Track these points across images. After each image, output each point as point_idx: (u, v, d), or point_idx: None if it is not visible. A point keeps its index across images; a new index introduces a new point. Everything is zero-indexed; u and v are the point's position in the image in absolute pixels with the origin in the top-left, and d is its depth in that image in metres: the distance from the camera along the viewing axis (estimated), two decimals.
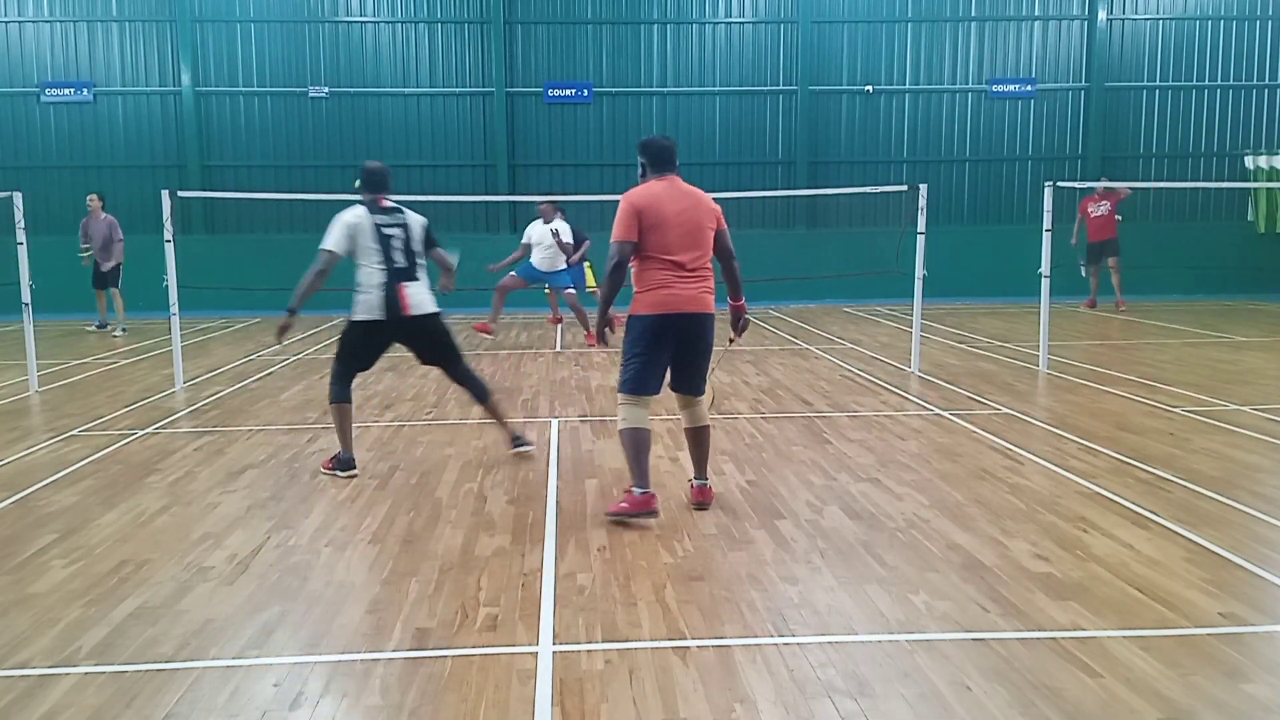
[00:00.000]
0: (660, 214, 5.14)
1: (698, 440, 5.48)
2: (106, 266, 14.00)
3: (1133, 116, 19.35)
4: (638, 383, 5.25)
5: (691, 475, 5.58)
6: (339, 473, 6.23)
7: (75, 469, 6.48)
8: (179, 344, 9.77)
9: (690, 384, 5.43)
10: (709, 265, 5.30)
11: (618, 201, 5.26)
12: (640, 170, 5.36)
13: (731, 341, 5.85)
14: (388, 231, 6.22)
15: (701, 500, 5.46)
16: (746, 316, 5.67)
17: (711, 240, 5.29)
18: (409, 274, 6.23)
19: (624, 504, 5.18)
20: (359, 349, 6.42)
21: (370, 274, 6.16)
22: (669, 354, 5.29)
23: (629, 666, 3.53)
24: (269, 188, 17.98)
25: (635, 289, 5.28)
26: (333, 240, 6.13)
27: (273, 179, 18.25)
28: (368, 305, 6.16)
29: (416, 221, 6.42)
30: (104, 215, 14.03)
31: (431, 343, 6.41)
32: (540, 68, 18.78)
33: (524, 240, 12.87)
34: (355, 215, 6.18)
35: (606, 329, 5.52)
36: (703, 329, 5.28)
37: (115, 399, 8.99)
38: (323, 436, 7.38)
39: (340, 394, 6.37)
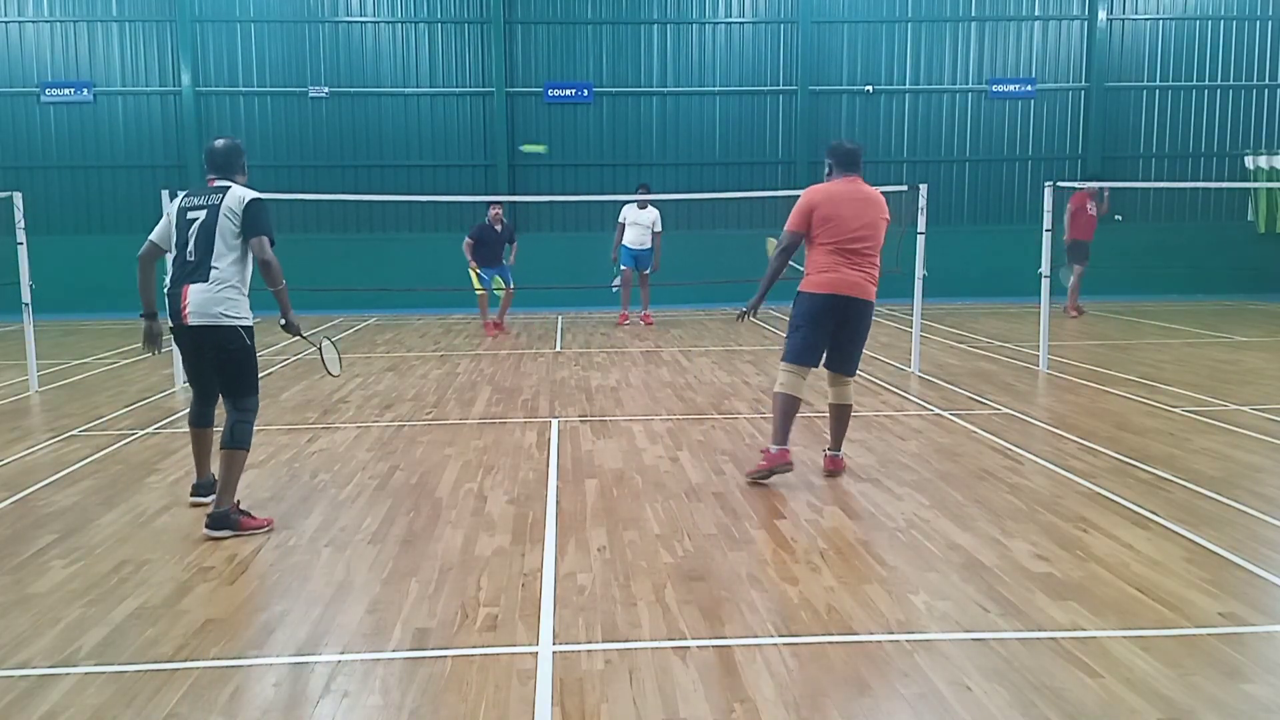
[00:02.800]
0: (835, 209, 5.75)
1: (840, 416, 6.08)
2: None
3: (1133, 116, 19.35)
4: (798, 353, 5.83)
5: (828, 446, 6.17)
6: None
7: (75, 469, 6.48)
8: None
9: (843, 364, 5.99)
10: (877, 260, 5.89)
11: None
12: (827, 170, 6.04)
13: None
14: (191, 215, 5.05)
15: (834, 469, 6.05)
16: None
17: (881, 237, 5.88)
18: (195, 274, 5.00)
19: (762, 463, 5.81)
20: (185, 363, 5.36)
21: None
22: (829, 331, 5.82)
23: (629, 666, 3.53)
24: (269, 188, 17.83)
25: (806, 270, 5.87)
26: (155, 229, 5.24)
27: (273, 179, 18.21)
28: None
29: (233, 199, 5.03)
30: None
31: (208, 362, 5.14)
32: (540, 68, 18.78)
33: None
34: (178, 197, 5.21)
35: (749, 313, 6.04)
36: (860, 313, 5.82)
37: (115, 399, 8.99)
38: (323, 436, 7.39)
39: (191, 416, 5.43)
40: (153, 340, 5.36)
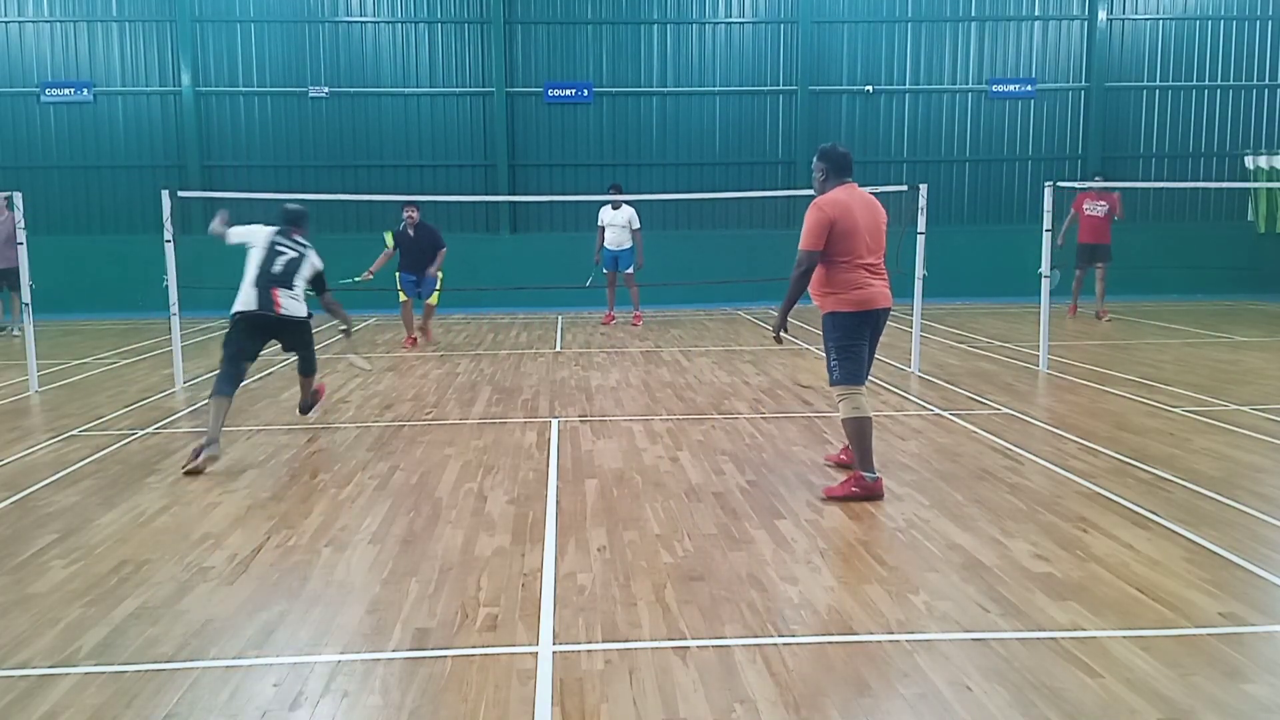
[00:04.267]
0: (852, 221, 5.57)
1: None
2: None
3: (1133, 116, 19.34)
4: (854, 375, 5.70)
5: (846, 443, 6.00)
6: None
7: (75, 469, 6.48)
8: (179, 344, 9.77)
9: (867, 371, 5.92)
10: (884, 261, 5.84)
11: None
12: (820, 176, 5.76)
13: None
14: (279, 249, 7.24)
15: (847, 461, 6.03)
16: None
17: (884, 241, 5.83)
18: (281, 282, 7.19)
19: (855, 489, 5.60)
20: (239, 341, 7.35)
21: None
22: (868, 344, 5.77)
23: (629, 666, 3.53)
24: (269, 188, 17.95)
25: (827, 289, 5.67)
26: None
27: (273, 179, 18.23)
28: None
29: (313, 259, 7.37)
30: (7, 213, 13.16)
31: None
32: (540, 68, 18.77)
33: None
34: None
35: (783, 331, 5.94)
36: (884, 322, 5.84)
37: (115, 399, 8.99)
38: (323, 436, 7.39)
39: (222, 387, 6.84)
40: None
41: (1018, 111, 19.27)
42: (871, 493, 5.56)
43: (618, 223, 13.76)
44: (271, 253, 7.12)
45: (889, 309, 5.79)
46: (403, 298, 12.26)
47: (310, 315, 7.32)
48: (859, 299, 5.62)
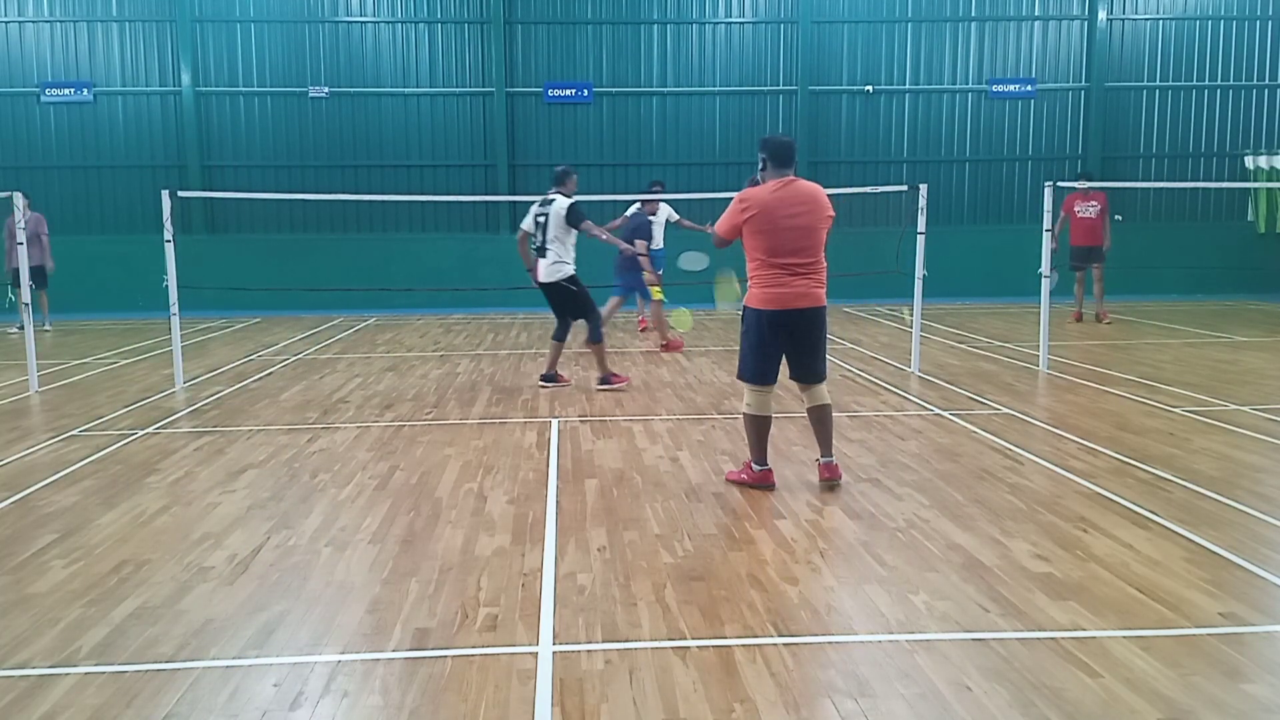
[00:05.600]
0: (769, 220, 5.43)
1: (819, 418, 5.78)
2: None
3: (1133, 116, 19.34)
4: (755, 372, 5.67)
5: (819, 455, 5.82)
6: None
7: (75, 469, 6.48)
8: (179, 344, 9.77)
9: (807, 373, 5.76)
10: (821, 261, 5.60)
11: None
12: (760, 165, 5.60)
13: None
14: (538, 214, 8.83)
15: (830, 478, 5.73)
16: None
17: (823, 240, 5.59)
18: (541, 251, 8.83)
19: (743, 475, 5.79)
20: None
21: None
22: (781, 346, 5.62)
23: (629, 666, 3.53)
24: (269, 188, 17.98)
25: (750, 281, 5.63)
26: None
27: (273, 179, 18.24)
28: None
29: (560, 206, 8.68)
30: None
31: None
32: (540, 68, 18.78)
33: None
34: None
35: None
36: (812, 321, 5.60)
37: (115, 399, 8.99)
38: (323, 436, 7.39)
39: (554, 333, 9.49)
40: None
41: (1018, 111, 19.27)
42: (758, 482, 5.71)
43: (663, 219, 12.64)
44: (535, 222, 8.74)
45: (814, 311, 5.58)
46: (657, 295, 11.84)
47: (572, 276, 8.70)
48: (770, 297, 5.53)
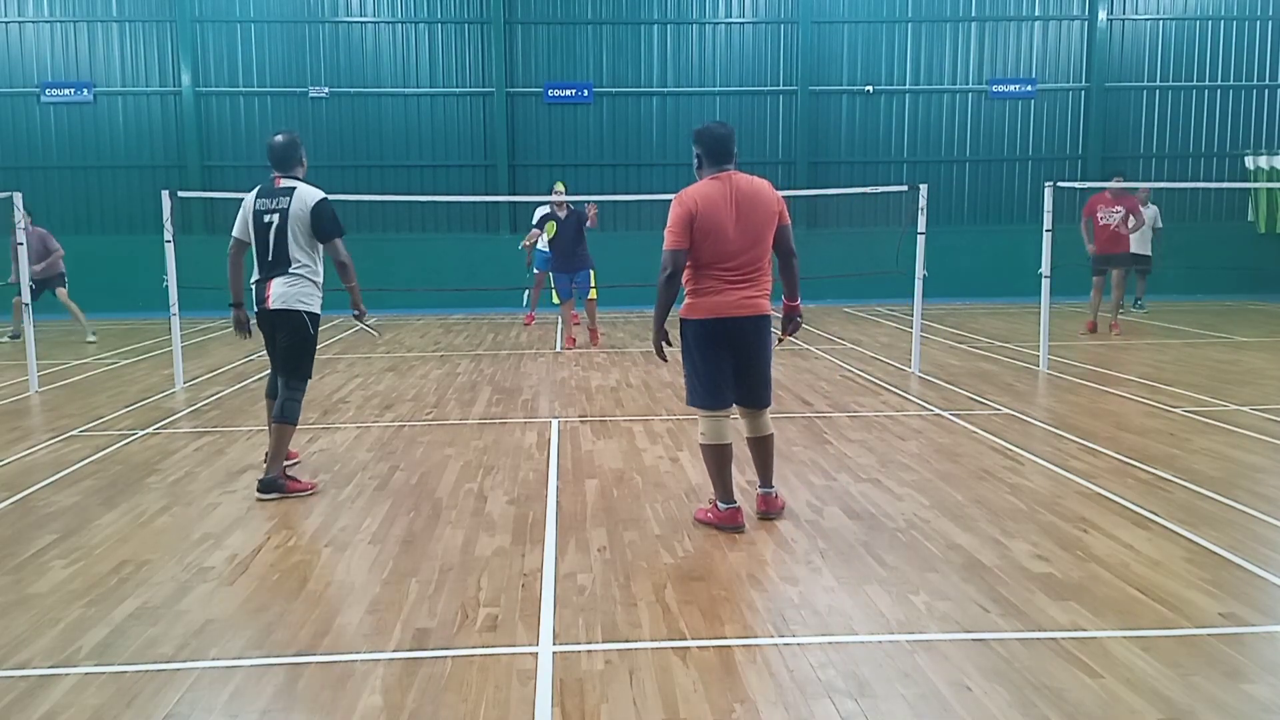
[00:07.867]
0: (716, 219, 4.81)
1: (761, 450, 5.23)
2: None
3: (1133, 116, 19.35)
4: (705, 395, 5.03)
5: (759, 484, 5.29)
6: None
7: (75, 469, 6.48)
8: (179, 344, 9.77)
9: (750, 395, 5.13)
10: (766, 266, 5.00)
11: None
12: (696, 162, 5.00)
13: (780, 340, 5.56)
14: (267, 220, 5.68)
15: (767, 510, 5.21)
16: (799, 319, 5.40)
17: (770, 241, 4.96)
18: (275, 270, 5.67)
19: (710, 515, 5.10)
20: (266, 344, 5.97)
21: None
22: (728, 360, 5.00)
23: (629, 667, 3.53)
24: None
25: (686, 292, 5.03)
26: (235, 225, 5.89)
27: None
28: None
29: (299, 203, 5.64)
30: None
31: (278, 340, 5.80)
32: (540, 68, 18.78)
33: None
34: (247, 196, 5.82)
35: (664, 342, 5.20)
36: (755, 332, 4.99)
37: (115, 399, 8.99)
38: (323, 436, 7.39)
39: (267, 388, 6.10)
40: (241, 327, 6.09)
41: (1018, 112, 19.28)
42: (724, 522, 5.00)
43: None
44: (259, 230, 5.83)
45: (757, 320, 4.98)
46: (556, 299, 12.25)
47: (313, 313, 5.87)
48: (706, 306, 4.92)
